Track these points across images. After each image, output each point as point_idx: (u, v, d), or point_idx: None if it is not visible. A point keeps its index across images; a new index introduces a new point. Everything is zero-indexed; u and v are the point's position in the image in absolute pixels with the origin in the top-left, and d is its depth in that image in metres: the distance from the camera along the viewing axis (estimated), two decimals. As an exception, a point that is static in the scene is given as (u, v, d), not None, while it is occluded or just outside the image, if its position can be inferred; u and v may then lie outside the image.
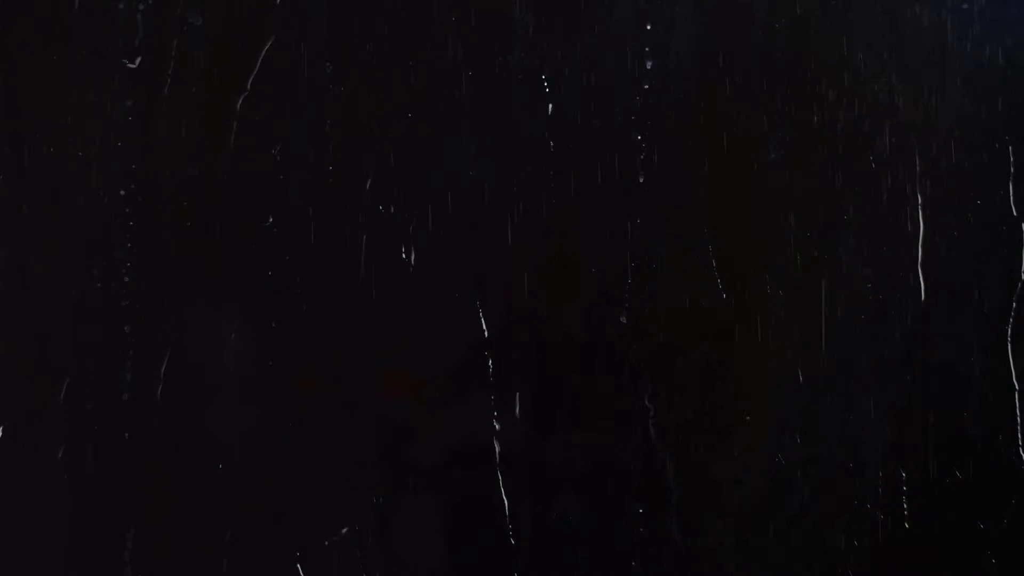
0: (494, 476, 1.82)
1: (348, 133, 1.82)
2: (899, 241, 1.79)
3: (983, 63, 1.77)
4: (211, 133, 1.82)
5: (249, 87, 1.82)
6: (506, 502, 1.82)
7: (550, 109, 1.80)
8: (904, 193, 1.78)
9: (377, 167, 1.82)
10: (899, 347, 1.79)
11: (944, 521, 1.79)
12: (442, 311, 1.82)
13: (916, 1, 1.78)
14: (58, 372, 1.83)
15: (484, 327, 1.82)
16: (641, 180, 1.80)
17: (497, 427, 1.82)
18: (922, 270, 1.78)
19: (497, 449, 1.82)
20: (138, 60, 1.82)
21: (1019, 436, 1.78)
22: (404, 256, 1.82)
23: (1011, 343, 1.77)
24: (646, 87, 1.80)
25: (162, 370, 1.83)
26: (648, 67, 1.80)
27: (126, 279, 1.83)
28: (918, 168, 1.78)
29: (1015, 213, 1.77)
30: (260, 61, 1.82)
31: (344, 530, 1.84)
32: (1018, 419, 1.78)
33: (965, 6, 1.78)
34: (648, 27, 1.80)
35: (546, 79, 1.80)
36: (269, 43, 1.82)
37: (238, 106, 1.82)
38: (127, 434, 1.84)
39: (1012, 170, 1.77)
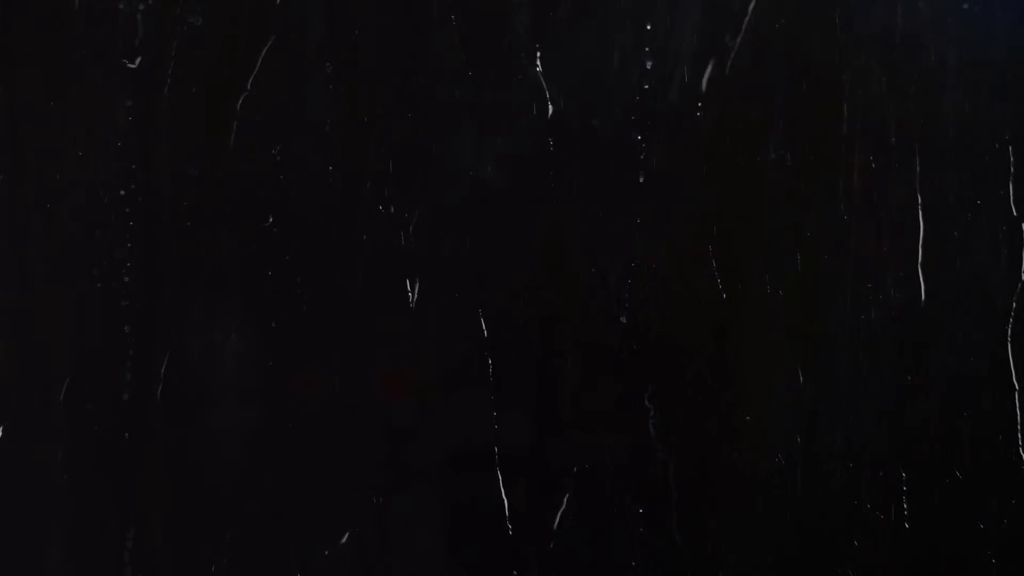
0: (494, 476, 1.82)
1: (348, 133, 1.82)
2: (899, 241, 1.79)
3: (983, 63, 1.77)
4: (211, 133, 1.82)
5: (249, 87, 1.82)
6: (506, 502, 1.82)
7: (550, 109, 1.80)
8: (904, 193, 1.78)
9: (377, 167, 1.82)
10: (899, 347, 1.79)
11: (944, 521, 1.79)
12: (442, 311, 1.82)
13: (916, 0, 1.78)
14: (58, 372, 1.83)
15: (484, 327, 1.82)
16: (641, 180, 1.80)
17: (497, 427, 1.82)
18: (922, 270, 1.78)
19: (497, 449, 1.82)
20: (138, 60, 1.82)
21: (1019, 436, 1.78)
22: (404, 256, 1.82)
23: (1011, 343, 1.77)
24: (646, 87, 1.80)
25: (162, 370, 1.83)
26: (648, 67, 1.80)
27: (126, 279, 1.83)
28: (918, 168, 1.78)
29: (1015, 213, 1.77)
30: (260, 61, 1.82)
31: (344, 538, 1.84)
32: (1018, 419, 1.78)
33: (965, 6, 1.78)
34: (648, 27, 1.80)
35: (546, 79, 1.80)
36: (269, 43, 1.82)
37: (238, 106, 1.82)
38: (127, 434, 1.84)
39: (1012, 170, 1.77)
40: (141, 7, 1.82)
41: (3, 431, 1.83)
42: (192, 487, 1.84)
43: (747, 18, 1.79)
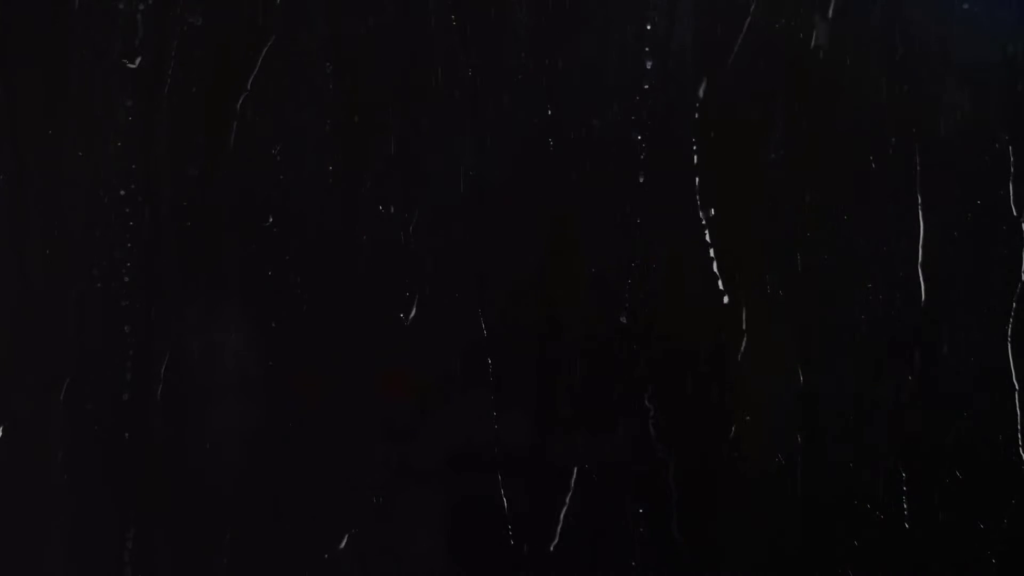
0: (494, 476, 1.82)
1: (348, 133, 1.82)
2: (899, 241, 1.79)
3: (983, 63, 1.77)
4: (211, 133, 1.82)
5: (249, 87, 1.82)
6: (506, 502, 1.82)
7: (550, 109, 1.80)
8: (904, 193, 1.78)
9: (377, 167, 1.82)
10: (899, 347, 1.79)
11: (944, 521, 1.79)
12: (442, 311, 1.82)
13: (916, 0, 1.78)
14: (58, 372, 1.83)
15: (484, 327, 1.82)
16: (641, 180, 1.80)
17: (497, 427, 1.82)
18: (922, 270, 1.78)
19: (497, 449, 1.82)
20: (138, 60, 1.82)
21: (1019, 436, 1.78)
22: (404, 256, 1.82)
23: (1011, 343, 1.77)
24: (646, 87, 1.80)
25: (162, 370, 1.83)
26: (648, 67, 1.80)
27: (126, 279, 1.83)
28: (918, 168, 1.78)
29: (1015, 213, 1.77)
30: (260, 61, 1.82)
31: (344, 538, 1.84)
32: (1018, 419, 1.78)
33: (965, 6, 1.78)
34: (648, 27, 1.80)
35: (546, 79, 1.80)
36: (269, 43, 1.82)
37: (238, 106, 1.82)
38: (127, 434, 1.84)
39: (1012, 170, 1.77)
40: (141, 7, 1.82)
41: (3, 431, 1.83)
42: (192, 487, 1.84)
43: (747, 18, 1.79)
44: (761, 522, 1.81)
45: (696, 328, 1.81)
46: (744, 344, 1.80)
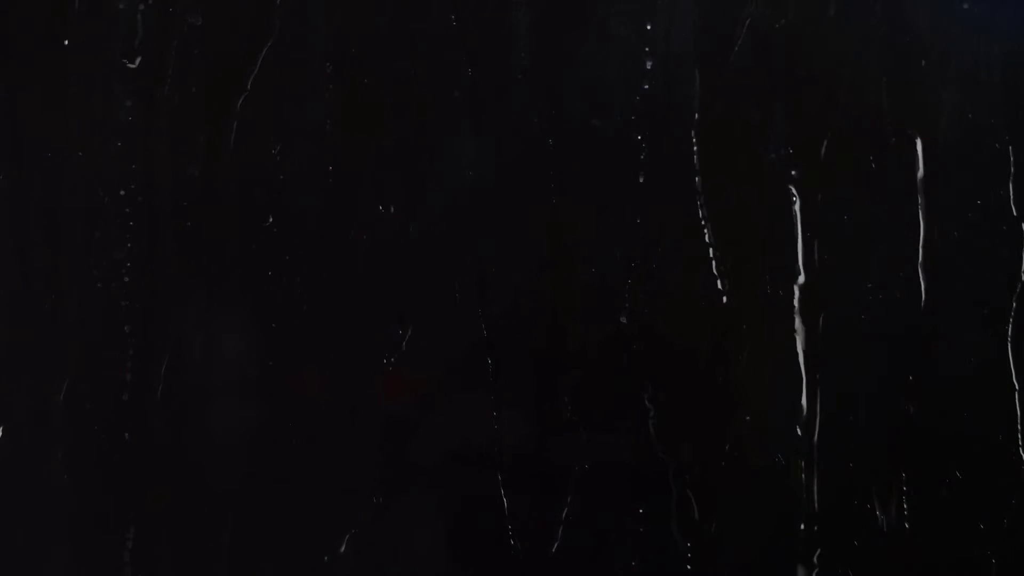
0: (494, 477, 1.82)
1: (348, 133, 1.82)
2: (899, 241, 1.79)
3: (983, 63, 1.77)
4: (211, 133, 1.82)
5: (249, 87, 1.82)
6: (506, 503, 1.82)
7: (550, 109, 1.80)
8: (904, 193, 1.78)
9: (377, 167, 1.82)
10: (899, 347, 1.79)
11: (944, 521, 1.79)
12: (442, 311, 1.82)
13: (916, 0, 1.78)
14: (58, 372, 1.83)
15: (484, 327, 1.82)
16: (641, 180, 1.80)
17: (497, 427, 1.82)
18: (922, 270, 1.78)
19: (497, 449, 1.82)
20: (138, 60, 1.82)
21: (1019, 436, 1.78)
22: (404, 256, 1.82)
23: (1011, 343, 1.77)
24: (646, 87, 1.80)
25: (162, 370, 1.83)
26: (648, 67, 1.80)
27: (126, 279, 1.83)
28: (918, 168, 1.78)
29: (1015, 213, 1.77)
30: (260, 61, 1.82)
31: (344, 538, 1.84)
32: (1018, 419, 1.78)
33: (965, 5, 1.77)
34: (648, 27, 1.80)
35: (546, 79, 1.80)
36: (269, 43, 1.82)
37: (238, 106, 1.82)
38: (127, 434, 1.84)
39: (1012, 170, 1.77)
40: (141, 7, 1.82)
41: (3, 431, 1.83)
42: (192, 487, 1.84)
43: (747, 18, 1.79)
44: (761, 522, 1.81)
45: (696, 328, 1.81)
46: (744, 344, 1.80)
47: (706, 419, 1.81)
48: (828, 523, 1.80)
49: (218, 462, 1.84)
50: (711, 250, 1.80)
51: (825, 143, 1.79)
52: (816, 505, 1.81)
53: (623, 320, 1.81)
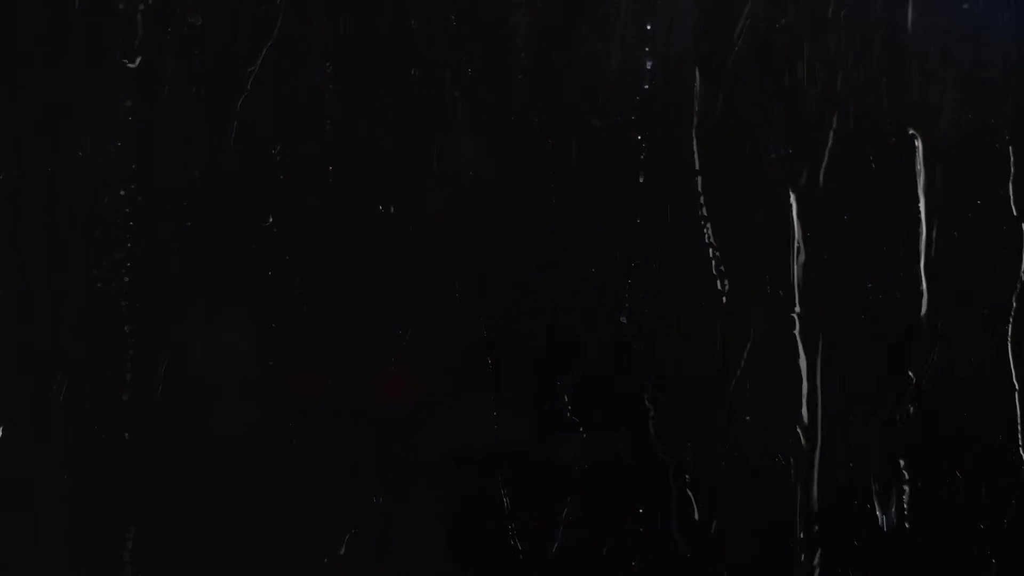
0: (494, 477, 1.82)
1: (348, 133, 1.82)
2: (900, 241, 1.79)
3: (983, 63, 1.77)
4: (211, 133, 1.82)
5: (249, 87, 1.82)
6: (506, 503, 1.82)
7: (550, 109, 1.80)
8: (904, 193, 1.78)
9: (377, 167, 1.82)
10: (900, 347, 1.79)
11: (944, 521, 1.79)
12: (442, 311, 1.82)
13: (916, 0, 1.78)
14: (58, 372, 1.83)
15: (484, 327, 1.82)
16: (641, 180, 1.80)
17: (497, 427, 1.82)
18: (923, 270, 1.78)
19: (497, 449, 1.82)
20: (138, 60, 1.82)
21: (1019, 436, 1.78)
22: (404, 256, 1.82)
23: (1011, 343, 1.77)
24: (646, 87, 1.80)
25: (162, 370, 1.83)
26: (648, 67, 1.80)
27: (126, 279, 1.83)
28: (918, 168, 1.78)
29: (1015, 213, 1.77)
30: (260, 61, 1.82)
31: (345, 538, 1.84)
32: (1018, 419, 1.78)
33: (965, 6, 1.78)
34: (648, 27, 1.80)
35: (546, 79, 1.80)
36: (269, 43, 1.82)
37: (238, 106, 1.82)
38: (127, 434, 1.84)
39: (1012, 170, 1.77)
40: (141, 7, 1.82)
41: (3, 431, 1.83)
42: (192, 487, 1.84)
43: (747, 18, 1.79)
44: (761, 522, 1.81)
45: (696, 328, 1.81)
46: (744, 344, 1.80)
47: (706, 419, 1.81)
48: (828, 523, 1.80)
49: (218, 462, 1.84)
50: (711, 250, 1.80)
51: (825, 143, 1.79)
52: (816, 505, 1.81)
53: (623, 320, 1.81)
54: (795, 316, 1.80)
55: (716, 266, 1.80)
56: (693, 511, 1.81)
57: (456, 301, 1.82)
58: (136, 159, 1.83)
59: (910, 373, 1.79)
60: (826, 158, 1.79)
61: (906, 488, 1.79)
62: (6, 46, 1.82)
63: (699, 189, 1.80)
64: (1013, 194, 1.77)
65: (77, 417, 1.83)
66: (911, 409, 1.79)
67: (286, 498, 1.84)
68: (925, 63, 1.78)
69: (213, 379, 1.83)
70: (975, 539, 1.78)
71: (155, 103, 1.82)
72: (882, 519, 1.80)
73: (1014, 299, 1.77)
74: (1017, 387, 1.78)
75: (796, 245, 1.79)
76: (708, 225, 1.80)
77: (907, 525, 1.79)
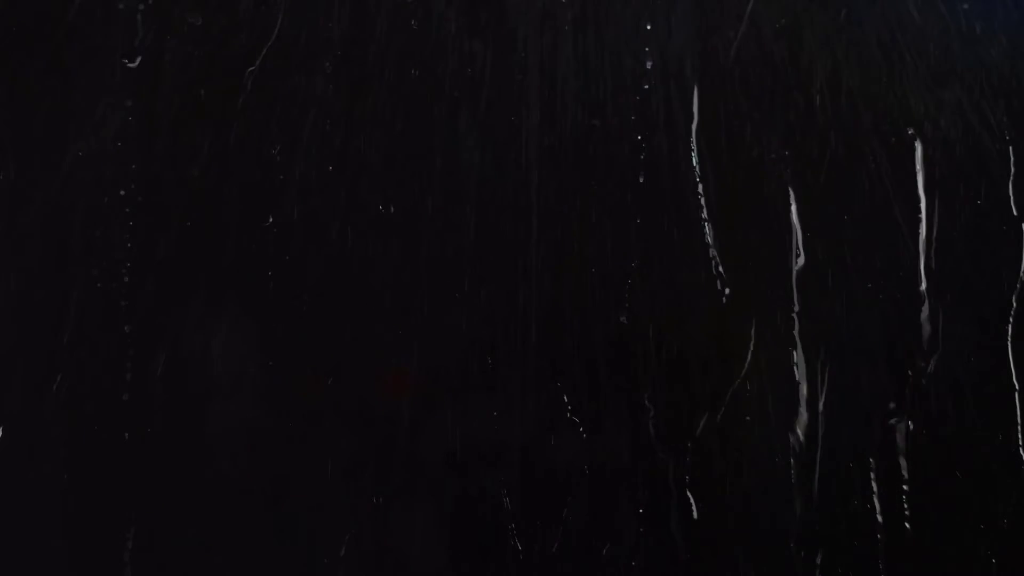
0: (495, 477, 1.82)
1: (348, 133, 1.82)
2: (900, 241, 1.79)
3: (983, 63, 1.77)
4: (211, 133, 1.82)
5: (249, 87, 1.82)
6: (506, 503, 1.82)
7: (550, 109, 1.80)
8: (904, 193, 1.78)
9: (377, 167, 1.82)
10: (900, 347, 1.79)
11: (944, 521, 1.79)
12: (442, 311, 1.82)
13: (916, 1, 1.78)
14: (58, 372, 1.83)
15: (484, 327, 1.82)
16: (641, 180, 1.80)
17: (497, 427, 1.82)
18: (923, 270, 1.78)
19: (497, 450, 1.82)
20: (138, 60, 1.82)
21: (1019, 436, 1.78)
22: (404, 256, 1.82)
23: (1011, 343, 1.77)
24: (646, 87, 1.80)
25: (162, 370, 1.83)
26: (648, 67, 1.80)
27: (126, 279, 1.83)
28: (918, 168, 1.78)
29: (1015, 213, 1.77)
30: (260, 61, 1.82)
31: (344, 538, 1.84)
32: (1018, 419, 1.78)
33: (965, 6, 1.78)
34: (648, 27, 1.80)
35: (546, 79, 1.80)
36: (269, 43, 1.82)
37: (238, 106, 1.82)
38: (127, 434, 1.84)
39: (1012, 170, 1.77)
40: (141, 7, 1.82)
41: (3, 431, 1.83)
42: (192, 487, 1.84)
43: (747, 18, 1.79)
44: (761, 522, 1.81)
45: (696, 328, 1.81)
46: (744, 344, 1.80)
47: (706, 419, 1.81)
48: (828, 523, 1.80)
49: (218, 462, 1.84)
50: (711, 250, 1.80)
51: (825, 143, 1.79)
52: (816, 505, 1.81)
53: (623, 320, 1.81)
54: (795, 316, 1.80)
55: (716, 266, 1.80)
56: (693, 511, 1.81)
57: (456, 301, 1.82)
58: (136, 159, 1.83)
59: (910, 373, 1.79)
60: (826, 158, 1.79)
61: (906, 488, 1.79)
62: (7, 46, 1.82)
63: (699, 190, 1.80)
64: (1013, 194, 1.77)
65: (77, 417, 1.83)
66: (911, 409, 1.79)
67: (286, 498, 1.84)
68: (925, 63, 1.78)
69: (213, 379, 1.83)
70: (975, 539, 1.78)
71: (155, 103, 1.82)
72: (882, 519, 1.80)
73: (1014, 299, 1.77)
74: (1017, 387, 1.78)
75: (796, 245, 1.79)
76: (708, 225, 1.80)
77: (907, 525, 1.79)
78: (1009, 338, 1.77)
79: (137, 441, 1.84)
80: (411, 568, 1.84)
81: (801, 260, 1.80)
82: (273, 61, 1.82)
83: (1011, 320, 1.77)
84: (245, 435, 1.84)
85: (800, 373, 1.80)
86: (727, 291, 1.80)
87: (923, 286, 1.78)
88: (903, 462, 1.79)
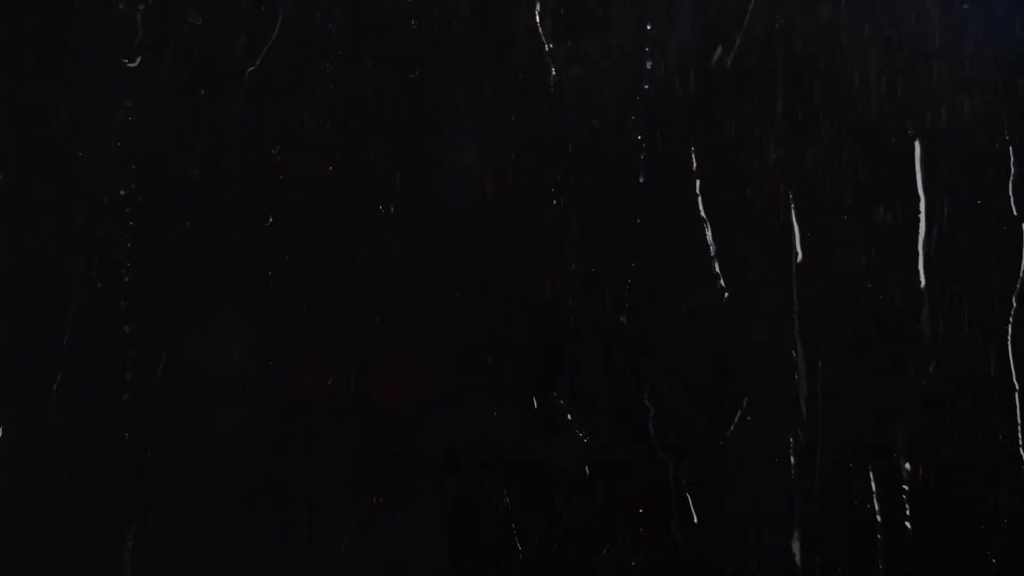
0: (495, 477, 1.82)
1: (348, 133, 1.82)
2: (899, 241, 1.79)
3: (983, 63, 1.77)
4: (211, 133, 1.82)
5: (249, 87, 1.82)
6: (507, 503, 1.82)
7: (550, 109, 1.80)
8: (905, 193, 1.78)
9: (377, 167, 1.82)
10: (899, 347, 1.79)
11: (944, 521, 1.79)
12: (442, 311, 1.82)
13: (916, 0, 1.78)
14: (58, 372, 1.83)
15: (484, 327, 1.82)
16: (641, 180, 1.80)
17: (497, 427, 1.82)
18: (922, 270, 1.78)
19: (497, 450, 1.82)
20: (138, 60, 1.82)
21: (1019, 436, 1.78)
22: (404, 256, 1.82)
23: (1011, 343, 1.77)
24: (646, 87, 1.80)
25: (162, 370, 1.83)
26: (648, 67, 1.80)
27: (126, 279, 1.83)
28: (918, 168, 1.78)
29: (1015, 213, 1.77)
30: (260, 60, 1.82)
31: (344, 538, 1.84)
32: (1018, 419, 1.78)
33: (965, 6, 1.78)
34: (648, 27, 1.80)
35: (546, 79, 1.80)
36: (269, 43, 1.82)
37: (238, 107, 1.82)
38: (127, 434, 1.84)
39: (1012, 170, 1.77)
40: (141, 7, 1.82)
41: (3, 431, 1.83)
42: (192, 487, 1.84)
43: (747, 18, 1.79)
44: (761, 523, 1.81)
45: (696, 328, 1.81)
46: (743, 344, 1.80)
47: (706, 419, 1.81)
48: (828, 523, 1.80)
49: (218, 462, 1.84)
50: (711, 250, 1.80)
51: (824, 143, 1.79)
52: (816, 505, 1.81)
53: (623, 320, 1.81)
54: (794, 316, 1.80)
55: (716, 266, 1.80)
56: (693, 512, 1.81)
57: (456, 301, 1.82)
58: (136, 159, 1.83)
59: (910, 372, 1.79)
60: (825, 158, 1.79)
61: (906, 488, 1.79)
62: (7, 46, 1.82)
63: (698, 189, 1.80)
64: (1013, 194, 1.77)
65: (77, 417, 1.83)
66: (910, 409, 1.79)
67: (285, 497, 1.84)
68: (925, 63, 1.78)
69: (213, 379, 1.83)
70: (975, 539, 1.78)
71: (155, 103, 1.82)
72: (882, 519, 1.80)
73: (1014, 299, 1.77)
74: (1017, 387, 1.78)
75: (795, 245, 1.79)
76: (708, 225, 1.80)
77: (907, 525, 1.79)
78: (1009, 338, 1.77)
79: (137, 441, 1.84)
80: (411, 568, 1.84)
81: (800, 260, 1.80)
82: (273, 61, 1.82)
83: (1011, 320, 1.77)
84: (245, 435, 1.84)
85: (800, 373, 1.80)
86: (727, 291, 1.80)
87: (923, 286, 1.78)
88: (903, 462, 1.79)
